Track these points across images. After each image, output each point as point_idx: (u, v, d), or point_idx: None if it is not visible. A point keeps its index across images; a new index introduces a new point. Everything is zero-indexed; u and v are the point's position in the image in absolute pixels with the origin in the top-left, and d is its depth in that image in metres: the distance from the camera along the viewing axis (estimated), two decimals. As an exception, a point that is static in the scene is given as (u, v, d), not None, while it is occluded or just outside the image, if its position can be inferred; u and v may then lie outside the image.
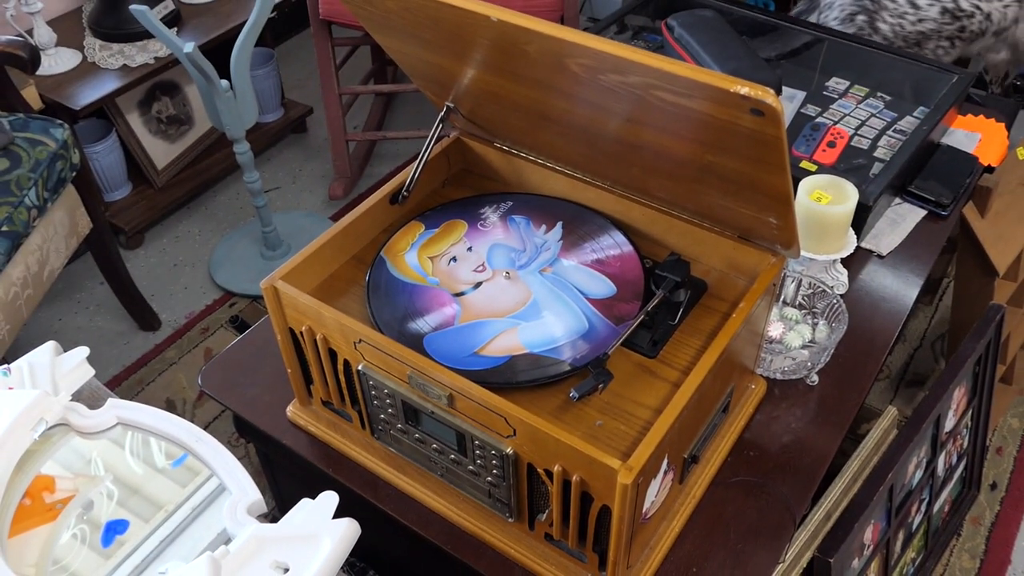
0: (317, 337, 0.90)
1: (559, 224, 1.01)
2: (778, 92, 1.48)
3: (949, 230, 1.34)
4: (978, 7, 1.70)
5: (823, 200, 1.13)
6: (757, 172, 0.76)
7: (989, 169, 1.45)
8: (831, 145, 1.40)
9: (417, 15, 0.84)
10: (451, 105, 1.02)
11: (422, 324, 0.90)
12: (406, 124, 2.58)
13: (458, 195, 1.08)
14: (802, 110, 1.50)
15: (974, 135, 1.49)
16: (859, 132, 1.44)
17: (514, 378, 0.84)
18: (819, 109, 1.49)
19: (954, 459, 1.34)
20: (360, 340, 0.85)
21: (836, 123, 1.46)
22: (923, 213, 1.35)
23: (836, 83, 1.56)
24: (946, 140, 1.47)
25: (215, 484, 0.80)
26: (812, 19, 1.85)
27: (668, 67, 0.68)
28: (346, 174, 2.30)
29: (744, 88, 0.64)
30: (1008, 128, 1.52)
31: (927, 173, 1.39)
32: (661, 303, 0.90)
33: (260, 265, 2.09)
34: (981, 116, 1.52)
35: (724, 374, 0.89)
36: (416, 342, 0.88)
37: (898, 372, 1.80)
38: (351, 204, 2.28)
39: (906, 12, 1.74)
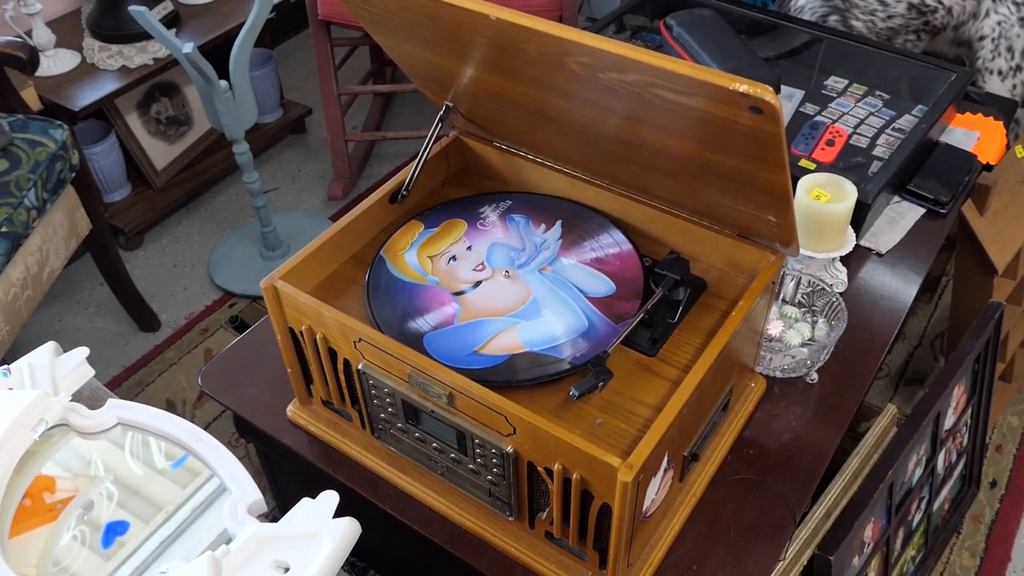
0: (317, 336, 0.90)
1: (558, 223, 1.01)
2: (776, 90, 1.48)
3: (948, 228, 1.34)
4: (940, 2, 1.71)
5: (822, 198, 1.13)
6: (756, 170, 0.76)
7: (988, 167, 1.45)
8: (830, 144, 1.40)
9: (416, 14, 0.84)
10: (450, 104, 1.02)
11: (422, 323, 0.90)
12: (405, 124, 2.58)
13: (457, 194, 1.08)
14: (801, 109, 1.50)
15: (972, 133, 1.49)
16: (858, 130, 1.44)
17: (514, 377, 0.84)
18: (818, 108, 1.49)
19: (954, 457, 1.34)
20: (360, 339, 0.85)
21: (835, 122, 1.46)
22: (922, 211, 1.35)
23: (835, 82, 1.56)
24: (945, 138, 1.47)
25: (215, 485, 0.80)
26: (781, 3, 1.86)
27: (667, 65, 0.69)
28: (345, 174, 2.30)
29: (743, 86, 0.65)
30: (1006, 126, 1.52)
31: (926, 171, 1.39)
32: (661, 301, 0.90)
33: (260, 265, 2.09)
34: (980, 114, 1.52)
35: (724, 372, 0.89)
36: (416, 341, 0.88)
37: (897, 370, 1.80)
38: (350, 204, 2.28)
39: (876, 9, 1.75)
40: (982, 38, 1.75)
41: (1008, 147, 1.53)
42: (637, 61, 0.70)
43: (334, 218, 2.24)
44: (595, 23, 1.67)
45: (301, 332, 0.91)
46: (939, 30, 1.80)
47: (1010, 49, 1.72)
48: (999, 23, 1.70)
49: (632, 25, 1.73)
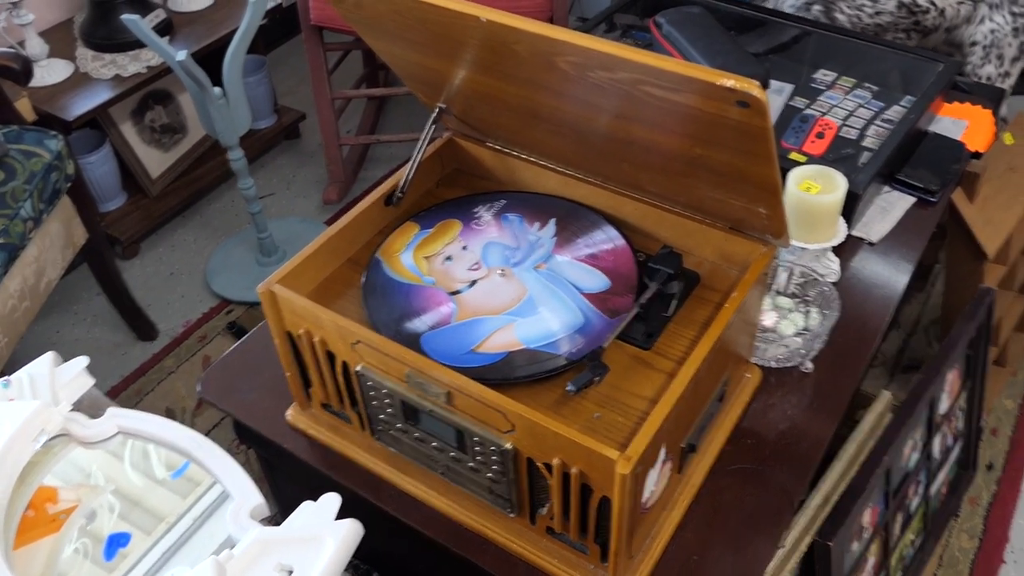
0: (315, 340, 0.90)
1: (552, 221, 1.02)
2: (765, 85, 1.49)
3: (938, 216, 1.35)
4: (933, 3, 1.71)
5: (812, 190, 1.14)
6: (745, 163, 0.77)
7: (976, 155, 1.46)
8: (820, 136, 1.41)
9: (407, 17, 0.85)
10: (443, 106, 1.03)
11: (419, 323, 0.91)
12: (399, 127, 2.58)
13: (452, 195, 1.09)
14: (791, 102, 1.51)
15: (961, 122, 1.50)
16: (847, 122, 1.45)
17: (511, 374, 0.85)
18: (807, 101, 1.50)
19: (950, 441, 1.35)
20: (358, 341, 0.86)
21: (824, 114, 1.47)
22: (912, 200, 1.36)
23: (823, 75, 1.57)
24: (933, 128, 1.48)
25: (215, 495, 0.80)
26: (769, 5, 1.86)
27: (655, 62, 0.69)
28: (340, 179, 2.31)
29: (730, 81, 0.65)
30: (994, 114, 1.53)
31: (915, 161, 1.40)
32: (655, 295, 0.91)
33: (256, 272, 2.09)
34: (968, 103, 1.53)
35: (719, 364, 0.90)
36: (413, 341, 0.89)
37: (893, 358, 1.82)
38: (346, 208, 2.29)
39: (864, 4, 1.75)
40: (974, 44, 1.75)
41: (996, 135, 1.54)
42: (626, 59, 0.71)
43: (330, 222, 2.24)
44: (586, 23, 1.68)
45: (299, 336, 0.92)
46: (930, 31, 1.79)
47: (1000, 57, 1.73)
48: (992, 31, 1.70)
49: (623, 24, 1.74)
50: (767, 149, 0.73)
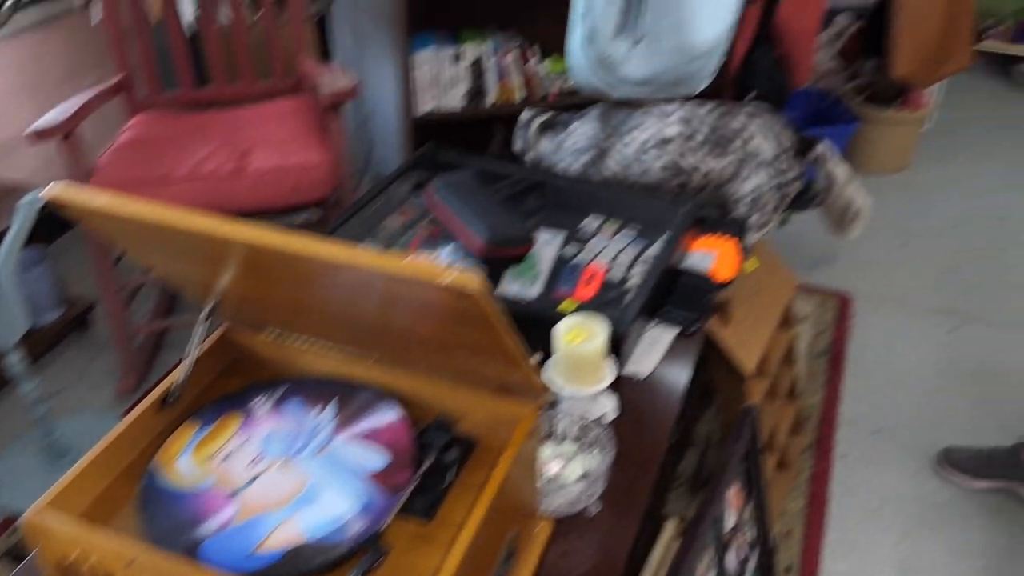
0: (87, 565, 0.86)
1: (332, 402, 1.04)
2: (529, 242, 1.60)
3: (700, 344, 1.49)
4: (696, 168, 1.93)
5: (578, 338, 1.23)
6: (487, 339, 0.84)
7: (727, 283, 1.64)
8: (589, 281, 1.54)
9: (158, 237, 0.87)
10: (213, 305, 1.05)
11: (199, 531, 0.89)
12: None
13: (232, 386, 1.09)
14: (563, 250, 1.64)
15: (710, 254, 1.68)
16: (614, 264, 1.58)
17: (295, 571, 0.85)
18: (579, 246, 1.63)
19: (745, 553, 1.44)
20: (133, 560, 0.83)
21: (593, 258, 1.60)
22: (675, 332, 1.50)
23: (592, 219, 1.72)
24: (687, 262, 1.65)
25: None
26: (556, 138, 2.03)
27: (386, 266, 0.76)
28: (134, 367, 2.23)
29: (447, 279, 0.73)
30: (740, 243, 1.73)
31: (674, 294, 1.55)
32: (433, 465, 0.94)
33: (47, 478, 1.95)
34: (717, 235, 1.73)
35: (500, 524, 0.94)
36: (193, 551, 0.87)
37: (691, 476, 1.93)
38: (145, 395, 2.20)
39: (631, 164, 1.95)
40: (739, 199, 1.99)
41: (742, 263, 1.73)
42: (359, 266, 0.77)
43: (130, 410, 2.14)
44: (370, 191, 1.75)
45: (71, 564, 0.88)
46: (697, 191, 2.01)
47: (762, 208, 1.97)
48: (756, 187, 1.94)
49: (412, 183, 1.83)
50: (499, 328, 0.80)
